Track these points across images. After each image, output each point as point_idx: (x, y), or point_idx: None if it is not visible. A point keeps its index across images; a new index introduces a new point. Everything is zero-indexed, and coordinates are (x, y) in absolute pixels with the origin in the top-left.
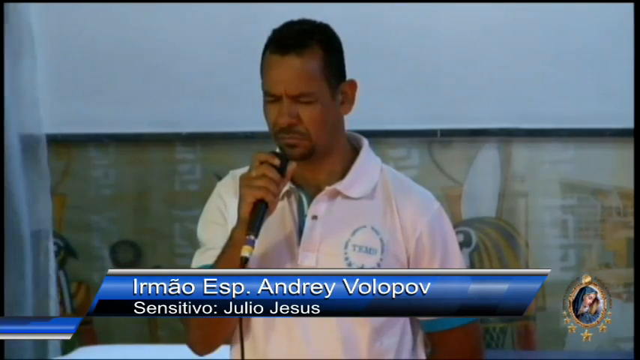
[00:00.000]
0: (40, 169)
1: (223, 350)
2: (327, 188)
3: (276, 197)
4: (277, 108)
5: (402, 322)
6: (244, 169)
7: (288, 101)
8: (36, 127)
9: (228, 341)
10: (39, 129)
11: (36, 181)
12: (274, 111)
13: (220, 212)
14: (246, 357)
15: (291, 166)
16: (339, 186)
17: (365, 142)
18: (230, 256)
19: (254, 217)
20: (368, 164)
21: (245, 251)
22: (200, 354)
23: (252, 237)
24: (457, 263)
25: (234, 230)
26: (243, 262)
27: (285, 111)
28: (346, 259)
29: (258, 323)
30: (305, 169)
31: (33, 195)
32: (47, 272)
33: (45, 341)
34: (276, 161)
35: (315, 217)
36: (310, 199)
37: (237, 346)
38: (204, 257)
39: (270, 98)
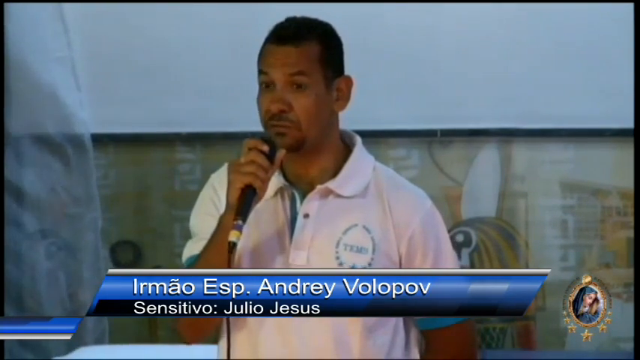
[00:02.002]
0: (85, 168)
1: (216, 350)
2: (319, 187)
3: (265, 183)
4: (270, 96)
5: (395, 320)
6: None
7: (282, 88)
8: (60, 126)
9: (216, 333)
10: (86, 128)
11: (38, 181)
12: (267, 99)
13: (213, 203)
14: (238, 355)
15: (280, 153)
16: (331, 184)
17: (358, 139)
18: (218, 240)
19: (242, 202)
20: (361, 162)
21: (232, 236)
22: (190, 341)
23: (239, 222)
24: (449, 262)
25: (222, 216)
26: (231, 247)
27: (278, 97)
28: (337, 258)
29: (250, 320)
30: (297, 166)
31: (34, 194)
32: (47, 272)
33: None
34: (265, 147)
35: (306, 216)
36: (303, 197)
37: (224, 345)
38: (195, 247)
39: (264, 84)
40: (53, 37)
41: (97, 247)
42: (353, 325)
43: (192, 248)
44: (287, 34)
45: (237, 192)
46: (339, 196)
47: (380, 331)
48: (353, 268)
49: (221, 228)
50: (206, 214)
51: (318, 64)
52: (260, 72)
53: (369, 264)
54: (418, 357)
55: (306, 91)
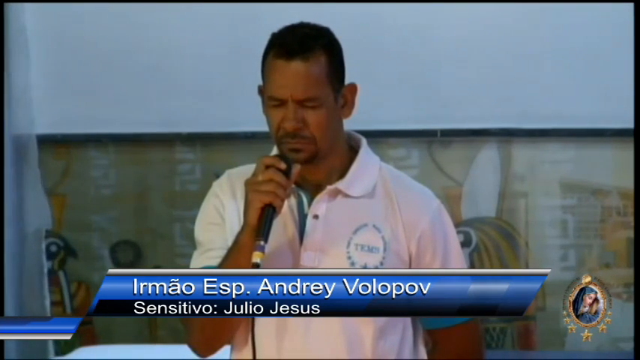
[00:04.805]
0: (32, 169)
1: (224, 351)
2: (328, 187)
3: (283, 201)
4: (282, 112)
5: (403, 320)
6: (240, 169)
7: (294, 106)
8: (28, 127)
9: (229, 342)
10: (31, 129)
11: (31, 181)
12: (278, 115)
13: (218, 212)
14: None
15: (296, 169)
16: (339, 185)
17: (363, 141)
18: (236, 260)
19: (262, 222)
20: (367, 163)
21: (256, 257)
22: (203, 356)
23: (262, 242)
24: (458, 260)
25: (239, 235)
26: (255, 268)
27: (292, 116)
28: (349, 258)
29: (260, 328)
30: (304, 169)
31: (31, 194)
32: (47, 272)
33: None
34: (283, 165)
35: (316, 217)
36: (310, 198)
37: (239, 347)
38: (203, 258)
39: (275, 103)
40: (13, 38)
41: (42, 259)
42: (366, 327)
43: (200, 260)
44: (293, 47)
45: (257, 212)
46: (347, 196)
47: (391, 332)
48: (365, 268)
49: (239, 247)
50: (211, 223)
51: (326, 78)
52: (268, 88)
53: (381, 263)
54: (425, 356)
55: (319, 107)
